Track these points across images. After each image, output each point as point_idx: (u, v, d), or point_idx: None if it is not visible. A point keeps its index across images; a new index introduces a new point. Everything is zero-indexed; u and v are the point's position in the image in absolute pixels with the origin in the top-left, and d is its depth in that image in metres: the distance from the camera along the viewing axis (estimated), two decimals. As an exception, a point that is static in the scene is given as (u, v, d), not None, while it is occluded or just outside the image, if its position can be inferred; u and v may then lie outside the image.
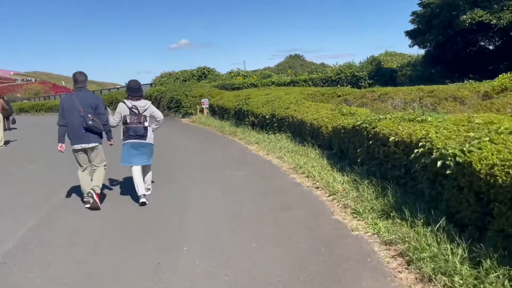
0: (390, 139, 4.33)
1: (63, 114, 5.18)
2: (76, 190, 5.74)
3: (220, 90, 18.91)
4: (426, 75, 24.13)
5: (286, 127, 9.14)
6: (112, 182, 6.36)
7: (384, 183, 4.41)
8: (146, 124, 5.29)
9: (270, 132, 9.79)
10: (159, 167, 6.49)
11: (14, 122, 17.61)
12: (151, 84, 37.98)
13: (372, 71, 23.16)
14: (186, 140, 11.11)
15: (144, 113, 5.30)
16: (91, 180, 5.28)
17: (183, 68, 40.01)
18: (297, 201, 4.96)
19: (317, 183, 5.50)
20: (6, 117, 15.92)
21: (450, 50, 24.22)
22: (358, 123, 5.40)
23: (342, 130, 6.07)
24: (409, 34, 25.12)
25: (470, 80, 13.36)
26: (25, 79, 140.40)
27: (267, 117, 9.98)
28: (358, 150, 5.37)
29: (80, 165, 5.32)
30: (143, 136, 5.27)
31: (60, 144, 5.19)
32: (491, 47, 26.65)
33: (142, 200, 5.16)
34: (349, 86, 22.93)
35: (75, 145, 5.16)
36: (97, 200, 5.07)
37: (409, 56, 32.08)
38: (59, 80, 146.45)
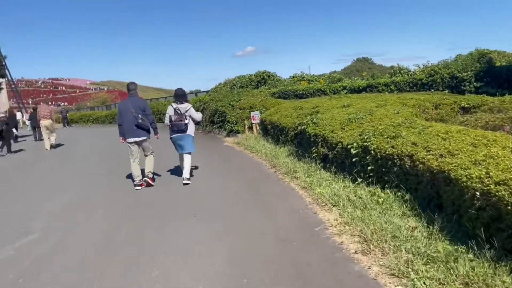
0: None
1: (120, 116, 6.77)
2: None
3: (277, 99, 14.49)
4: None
5: (395, 175, 4.59)
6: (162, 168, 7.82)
7: None
8: (186, 121, 6.85)
9: (359, 179, 5.29)
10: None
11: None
12: (207, 92, 34.89)
13: (480, 71, 17.42)
14: (217, 183, 6.91)
15: (185, 113, 6.87)
16: (140, 168, 6.86)
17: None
18: None
19: None
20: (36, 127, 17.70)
21: None
22: None
23: None
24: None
25: None
26: (98, 88, 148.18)
27: (352, 150, 5.45)
28: None
29: (132, 155, 6.83)
30: (184, 130, 6.85)
31: (121, 138, 6.90)
32: None
33: (185, 181, 6.79)
34: (447, 91, 17.52)
35: (129, 139, 6.75)
36: (151, 182, 6.84)
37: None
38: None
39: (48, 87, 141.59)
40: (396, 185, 4.61)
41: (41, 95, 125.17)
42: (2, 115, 14.78)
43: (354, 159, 5.42)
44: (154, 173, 7.21)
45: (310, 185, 5.78)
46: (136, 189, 6.66)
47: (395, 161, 4.58)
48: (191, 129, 7.00)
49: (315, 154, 6.76)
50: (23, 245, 4.41)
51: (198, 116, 7.20)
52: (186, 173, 6.88)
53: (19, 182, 8.52)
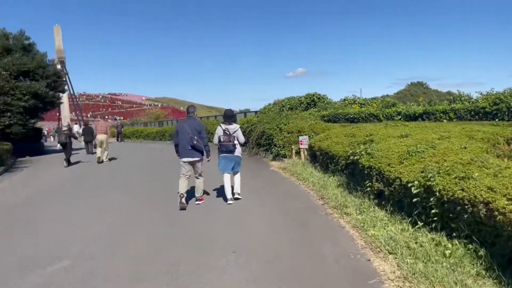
0: None
1: (177, 135, 7.14)
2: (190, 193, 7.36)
3: (326, 123, 13.93)
4: None
5: (465, 224, 3.95)
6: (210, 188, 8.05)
7: None
8: (235, 142, 7.19)
9: (419, 222, 4.67)
10: None
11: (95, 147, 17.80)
12: (255, 112, 34.97)
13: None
14: (260, 212, 6.51)
15: (233, 134, 7.17)
16: (188, 188, 7.19)
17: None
18: None
19: None
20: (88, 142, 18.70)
21: None
22: None
23: None
24: None
25: None
26: (152, 104, 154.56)
27: (413, 189, 4.84)
28: None
29: (183, 174, 7.06)
30: (232, 151, 7.16)
31: (177, 154, 7.17)
32: None
33: (229, 202, 7.05)
34: (514, 121, 16.16)
35: (183, 158, 7.02)
36: (200, 203, 7.16)
37: None
38: (182, 105, 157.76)
39: (107, 101, 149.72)
40: (466, 235, 3.96)
41: (100, 109, 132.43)
42: (65, 128, 15.71)
43: (414, 200, 4.80)
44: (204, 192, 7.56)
45: (362, 224, 5.21)
46: (181, 208, 6.79)
47: (466, 207, 3.94)
48: (239, 150, 7.34)
49: (368, 189, 6.17)
50: (53, 272, 4.23)
51: (243, 139, 7.50)
52: (237, 188, 7.32)
53: (67, 197, 8.61)
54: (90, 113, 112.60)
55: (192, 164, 7.05)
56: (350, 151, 7.28)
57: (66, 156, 14.42)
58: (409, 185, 4.91)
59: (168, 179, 9.54)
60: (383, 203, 5.75)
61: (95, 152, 15.79)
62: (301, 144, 11.12)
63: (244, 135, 8.11)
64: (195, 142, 6.86)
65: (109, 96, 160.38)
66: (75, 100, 57.95)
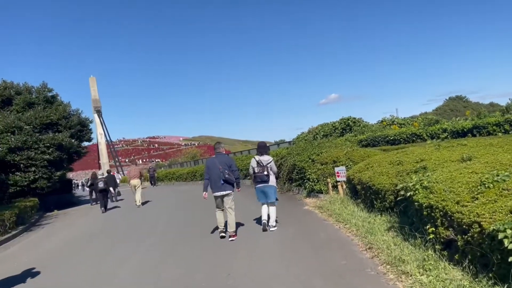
0: None
1: (208, 171, 7.44)
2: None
3: (365, 149, 12.29)
4: None
5: None
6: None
7: None
8: (269, 172, 7.49)
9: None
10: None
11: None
12: (289, 143, 33.78)
13: None
14: (291, 271, 5.04)
15: (267, 165, 7.49)
16: (225, 221, 7.46)
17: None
18: None
19: None
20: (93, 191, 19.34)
21: None
22: None
23: None
24: None
25: None
26: (190, 144, 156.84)
27: (506, 243, 3.25)
28: None
29: (218, 207, 7.50)
30: (266, 181, 7.47)
31: (204, 193, 7.48)
32: None
33: (265, 228, 7.47)
34: None
35: (216, 193, 7.34)
36: (233, 238, 7.24)
37: None
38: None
39: (145, 145, 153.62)
40: None
41: (140, 153, 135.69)
42: (101, 175, 17.03)
43: (510, 259, 3.21)
44: (237, 225, 7.81)
45: (432, 291, 3.65)
46: (221, 236, 7.44)
47: None
48: (273, 180, 7.67)
49: (431, 236, 4.59)
50: None
51: (276, 169, 7.88)
52: (272, 221, 7.62)
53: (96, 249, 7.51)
54: (129, 158, 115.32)
55: (222, 197, 7.40)
56: (401, 185, 5.70)
57: (102, 203, 15.69)
58: (499, 235, 3.34)
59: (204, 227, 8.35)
60: (456, 257, 4.15)
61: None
62: (338, 176, 9.60)
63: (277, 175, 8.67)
64: (227, 176, 7.21)
65: (148, 140, 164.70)
66: (111, 147, 59.26)
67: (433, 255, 4.44)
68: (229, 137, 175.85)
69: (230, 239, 7.21)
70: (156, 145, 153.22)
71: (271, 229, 7.48)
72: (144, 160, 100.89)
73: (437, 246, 4.50)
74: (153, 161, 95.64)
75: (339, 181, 9.56)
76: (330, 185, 9.91)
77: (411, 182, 5.37)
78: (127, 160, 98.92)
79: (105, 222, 12.84)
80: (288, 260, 5.60)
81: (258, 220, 8.14)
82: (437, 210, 4.48)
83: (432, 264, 4.26)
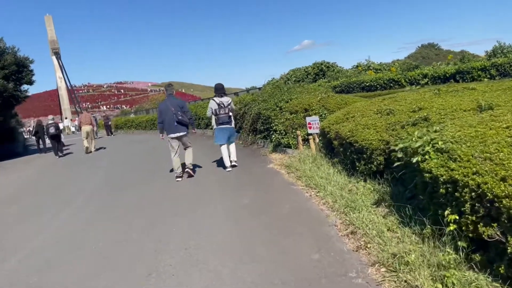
0: None
1: (161, 115, 7.53)
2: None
3: (342, 96, 10.43)
4: None
5: None
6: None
7: None
8: (230, 114, 7.66)
9: None
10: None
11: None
12: (259, 89, 31.68)
13: None
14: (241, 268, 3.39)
15: (228, 106, 7.58)
16: (181, 162, 7.68)
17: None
18: None
19: None
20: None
21: None
22: None
23: None
24: None
25: None
26: (158, 90, 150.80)
27: None
28: None
29: (173, 149, 7.61)
30: (228, 122, 7.65)
31: (161, 135, 7.84)
32: None
33: (228, 169, 7.66)
34: None
35: (170, 134, 7.48)
36: (192, 173, 7.67)
37: None
38: (189, 89, 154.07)
39: (113, 91, 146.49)
40: None
41: (106, 99, 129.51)
42: (52, 121, 15.85)
43: None
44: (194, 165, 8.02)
45: None
46: (177, 181, 7.53)
47: None
48: (233, 121, 7.92)
49: (452, 227, 2.94)
50: None
51: (234, 110, 8.31)
52: (233, 156, 7.95)
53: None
54: (96, 103, 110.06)
55: (179, 139, 7.57)
56: (399, 144, 3.96)
57: (56, 149, 15.67)
58: None
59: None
60: (500, 269, 2.54)
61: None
62: (310, 128, 7.87)
63: (236, 119, 8.95)
64: (180, 117, 7.33)
65: (115, 85, 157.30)
66: (73, 92, 55.42)
67: (455, 257, 2.83)
68: (200, 84, 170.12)
69: (186, 170, 7.71)
70: (122, 90, 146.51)
71: (233, 164, 7.86)
72: (109, 107, 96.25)
73: (460, 243, 2.88)
74: (117, 108, 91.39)
75: (311, 134, 7.84)
76: (300, 139, 8.18)
77: (416, 141, 3.64)
78: (90, 106, 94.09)
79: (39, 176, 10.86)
80: (232, 258, 3.91)
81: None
82: (466, 189, 2.79)
83: (457, 276, 2.65)
